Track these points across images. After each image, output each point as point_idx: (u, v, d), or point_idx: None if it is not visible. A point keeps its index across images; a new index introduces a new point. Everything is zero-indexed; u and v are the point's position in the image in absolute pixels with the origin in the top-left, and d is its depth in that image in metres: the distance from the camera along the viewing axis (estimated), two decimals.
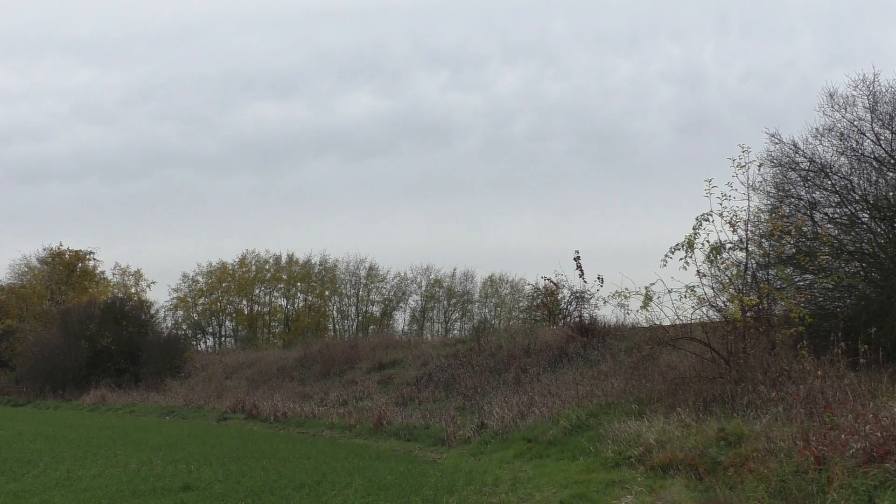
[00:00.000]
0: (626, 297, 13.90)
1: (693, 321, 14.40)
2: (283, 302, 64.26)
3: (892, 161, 13.69)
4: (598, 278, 23.38)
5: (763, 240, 14.43)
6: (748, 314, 12.99)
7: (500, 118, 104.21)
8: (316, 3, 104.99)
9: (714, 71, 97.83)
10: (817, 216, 14.34)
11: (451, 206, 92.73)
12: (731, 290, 13.45)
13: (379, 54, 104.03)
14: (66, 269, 54.81)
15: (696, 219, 14.16)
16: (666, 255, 13.74)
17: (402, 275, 61.42)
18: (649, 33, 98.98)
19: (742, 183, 14.90)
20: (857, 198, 13.89)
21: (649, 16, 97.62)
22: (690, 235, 13.97)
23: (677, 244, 13.93)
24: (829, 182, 14.16)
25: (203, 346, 59.32)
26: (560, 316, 25.87)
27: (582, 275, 23.62)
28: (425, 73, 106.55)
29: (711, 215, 14.30)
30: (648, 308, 13.59)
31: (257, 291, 63.91)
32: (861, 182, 13.98)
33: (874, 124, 14.01)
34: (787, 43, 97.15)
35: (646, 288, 13.73)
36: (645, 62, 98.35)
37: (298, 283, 63.43)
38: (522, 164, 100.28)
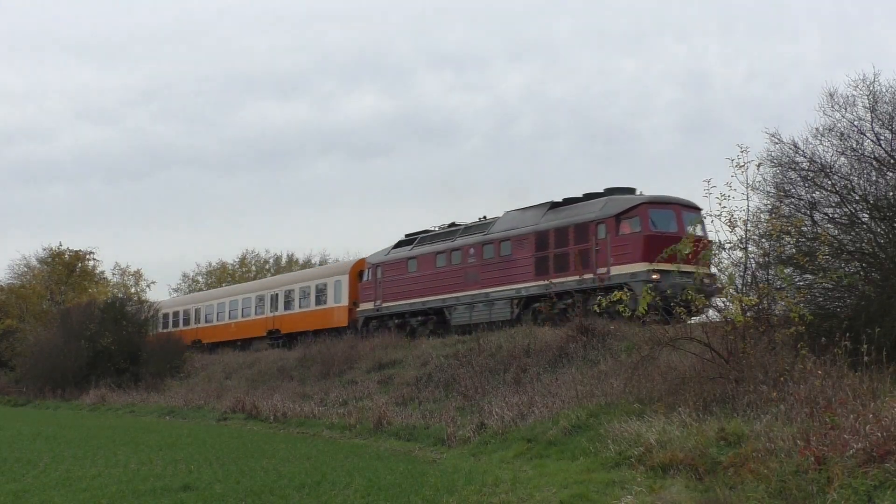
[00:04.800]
0: (626, 297, 13.91)
1: (693, 321, 14.42)
2: None
3: (892, 161, 13.68)
4: (599, 278, 23.43)
5: (762, 240, 14.43)
6: (748, 314, 12.99)
7: (504, 118, 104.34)
8: (319, 3, 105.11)
9: (719, 71, 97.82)
10: (817, 216, 14.33)
11: (453, 206, 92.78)
12: (731, 291, 13.44)
13: (382, 54, 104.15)
14: (66, 269, 54.84)
15: (690, 224, 14.31)
16: (658, 258, 14.02)
17: None
18: (654, 33, 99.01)
19: (741, 183, 14.92)
20: (857, 198, 13.89)
21: (654, 16, 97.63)
22: (685, 240, 14.10)
23: (670, 248, 14.04)
24: (829, 182, 14.16)
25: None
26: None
27: (582, 275, 23.65)
28: (429, 72, 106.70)
29: (705, 219, 14.61)
30: (648, 309, 13.61)
31: None
32: (861, 182, 13.98)
33: (874, 124, 14.01)
34: (792, 43, 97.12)
35: (646, 290, 13.74)
36: (649, 62, 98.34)
37: None
38: (526, 164, 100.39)
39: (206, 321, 43.97)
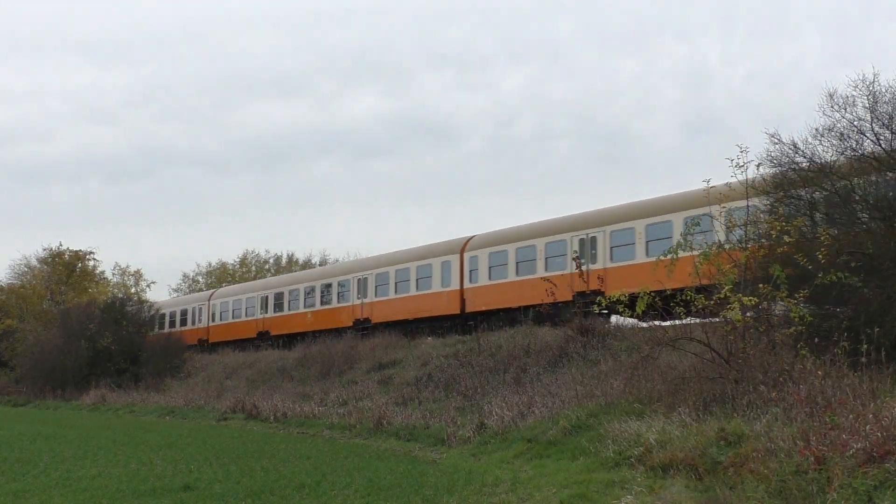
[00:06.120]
0: (624, 298, 13.91)
1: (693, 321, 14.42)
2: None
3: (892, 161, 13.66)
4: (599, 278, 23.43)
5: (762, 240, 14.43)
6: (748, 314, 12.98)
7: (505, 118, 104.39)
8: (320, 3, 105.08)
9: (720, 71, 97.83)
10: (817, 216, 14.32)
11: (454, 206, 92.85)
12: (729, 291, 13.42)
13: (383, 54, 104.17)
14: (66, 269, 54.89)
15: (686, 224, 14.37)
16: (659, 258, 14.08)
17: None
18: (655, 33, 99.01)
19: (741, 183, 14.93)
20: (857, 198, 13.87)
21: (655, 16, 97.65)
22: (679, 241, 14.12)
23: (666, 250, 14.07)
24: (829, 182, 14.14)
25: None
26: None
27: (581, 275, 23.64)
28: (430, 72, 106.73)
29: (702, 219, 14.74)
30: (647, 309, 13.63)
31: None
32: (861, 182, 13.95)
33: (874, 124, 13.98)
34: (793, 43, 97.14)
35: (644, 292, 13.74)
36: (650, 62, 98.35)
37: None
38: (526, 164, 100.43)
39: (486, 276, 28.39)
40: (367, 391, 24.01)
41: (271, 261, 66.23)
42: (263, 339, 38.83)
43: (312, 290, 36.98)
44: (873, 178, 13.72)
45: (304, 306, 37.11)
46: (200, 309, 45.03)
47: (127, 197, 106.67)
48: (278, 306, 38.97)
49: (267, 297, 39.95)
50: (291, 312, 37.95)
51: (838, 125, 14.21)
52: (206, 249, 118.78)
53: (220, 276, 64.96)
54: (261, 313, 39.85)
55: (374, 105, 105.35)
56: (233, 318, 42.33)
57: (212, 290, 49.44)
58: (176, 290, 66.82)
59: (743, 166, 14.45)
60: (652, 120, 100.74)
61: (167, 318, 46.98)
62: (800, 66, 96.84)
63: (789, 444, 8.95)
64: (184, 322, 45.94)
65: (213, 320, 43.77)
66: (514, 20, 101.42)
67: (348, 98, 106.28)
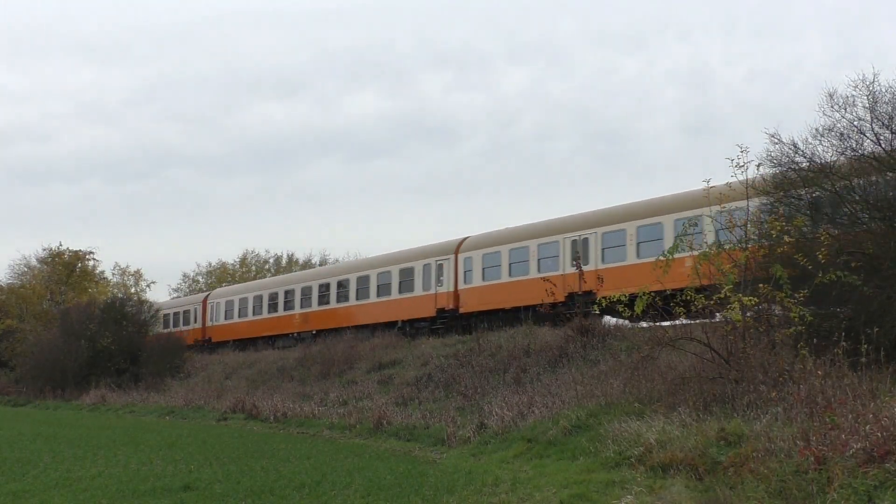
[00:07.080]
0: (623, 299, 13.91)
1: (693, 321, 14.42)
2: None
3: (892, 161, 13.66)
4: (598, 278, 23.42)
5: (762, 240, 14.42)
6: (748, 314, 12.98)
7: (505, 118, 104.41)
8: (321, 2, 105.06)
9: (721, 71, 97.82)
10: (817, 216, 14.32)
11: (455, 206, 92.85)
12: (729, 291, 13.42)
13: (384, 54, 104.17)
14: (66, 269, 54.89)
15: (684, 225, 14.39)
16: (657, 259, 14.04)
17: None
18: (656, 33, 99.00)
19: (741, 183, 14.94)
20: (857, 198, 13.87)
21: (656, 15, 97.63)
22: (677, 241, 14.13)
23: (663, 252, 14.07)
24: (829, 182, 14.14)
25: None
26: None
27: (581, 275, 23.64)
28: (430, 72, 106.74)
29: (700, 219, 14.78)
30: (646, 309, 13.62)
31: None
32: (861, 182, 13.95)
33: (874, 124, 13.98)
34: (794, 43, 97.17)
35: (643, 293, 13.74)
36: (651, 62, 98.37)
37: None
38: (527, 164, 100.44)
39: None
40: (366, 391, 24.00)
41: (271, 261, 66.27)
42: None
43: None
44: (873, 178, 13.70)
45: (637, 255, 23.94)
46: (441, 266, 30.66)
47: (127, 197, 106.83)
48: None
49: (576, 239, 26.03)
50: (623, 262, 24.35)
51: (838, 125, 14.21)
52: (206, 249, 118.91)
53: (219, 276, 64.99)
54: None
55: (374, 105, 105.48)
56: (484, 279, 29.07)
57: (460, 239, 31.51)
58: (176, 290, 66.85)
59: (743, 166, 14.45)
60: (652, 120, 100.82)
61: (352, 285, 34.83)
62: (800, 67, 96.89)
63: (789, 444, 8.95)
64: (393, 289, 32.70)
65: (465, 282, 29.92)
66: (514, 20, 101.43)
67: (348, 98, 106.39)
